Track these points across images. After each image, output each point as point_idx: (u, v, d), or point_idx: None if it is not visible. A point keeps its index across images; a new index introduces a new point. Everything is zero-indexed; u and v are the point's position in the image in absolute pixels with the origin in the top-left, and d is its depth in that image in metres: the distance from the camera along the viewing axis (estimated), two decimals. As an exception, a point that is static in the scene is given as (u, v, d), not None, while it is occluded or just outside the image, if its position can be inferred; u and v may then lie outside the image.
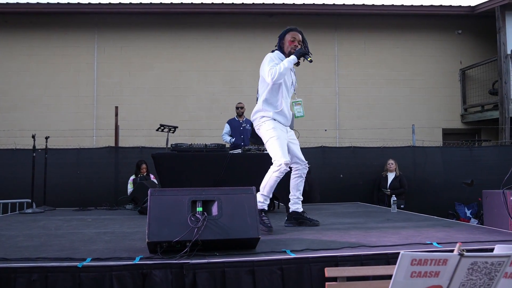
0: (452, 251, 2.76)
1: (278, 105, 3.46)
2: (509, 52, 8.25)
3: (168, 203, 2.51)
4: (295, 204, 3.65)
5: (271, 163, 4.84)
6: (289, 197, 3.69)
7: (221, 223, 2.49)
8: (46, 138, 5.83)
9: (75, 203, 6.09)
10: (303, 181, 3.60)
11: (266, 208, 3.46)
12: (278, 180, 3.37)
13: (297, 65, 3.51)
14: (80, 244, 2.83)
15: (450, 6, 9.20)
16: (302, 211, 3.67)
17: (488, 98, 9.02)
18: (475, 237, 2.99)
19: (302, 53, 3.40)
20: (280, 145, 3.37)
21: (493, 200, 3.52)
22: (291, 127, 3.66)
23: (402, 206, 6.28)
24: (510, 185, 3.67)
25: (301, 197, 3.65)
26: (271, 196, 3.46)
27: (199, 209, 2.51)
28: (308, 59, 3.39)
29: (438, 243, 2.75)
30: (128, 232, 3.39)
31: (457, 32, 9.50)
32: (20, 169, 6.62)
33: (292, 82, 3.59)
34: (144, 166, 6.39)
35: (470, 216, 6.86)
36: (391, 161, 6.88)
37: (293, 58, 3.38)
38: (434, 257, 1.78)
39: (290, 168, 3.54)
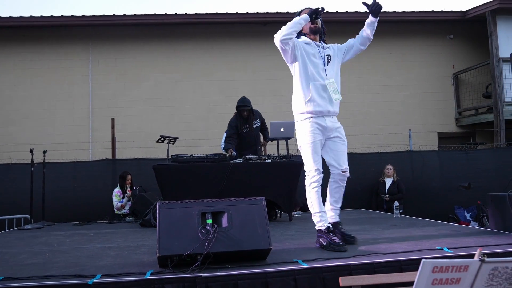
0: (463, 256, 2.75)
1: (306, 92, 3.06)
2: (501, 56, 8.35)
3: (177, 216, 2.48)
4: (329, 212, 3.20)
5: (273, 171, 4.89)
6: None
7: (232, 235, 2.46)
8: (44, 152, 5.76)
9: (73, 217, 5.99)
10: (340, 188, 3.17)
11: (330, 225, 3.07)
12: (319, 191, 3.05)
13: (316, 31, 3.14)
14: (86, 260, 2.78)
15: (442, 11, 9.32)
16: (336, 223, 3.19)
17: (481, 101, 9.11)
18: (484, 241, 2.99)
19: (314, 11, 3.05)
20: (312, 152, 3.04)
21: (497, 203, 3.52)
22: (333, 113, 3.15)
23: (400, 211, 6.28)
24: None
25: (336, 206, 3.22)
26: (323, 209, 3.10)
27: (209, 221, 2.48)
28: (320, 10, 3.04)
29: (448, 248, 2.75)
30: (134, 246, 3.34)
31: (449, 37, 9.61)
32: (16, 184, 6.51)
33: (328, 57, 3.15)
34: (129, 177, 6.32)
35: (470, 219, 6.87)
36: (389, 167, 6.89)
37: (304, 16, 3.03)
38: (456, 263, 1.76)
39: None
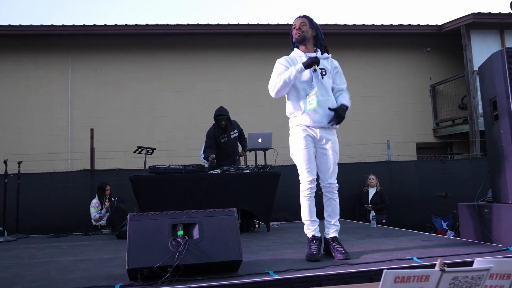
0: (432, 265, 2.80)
1: (297, 109, 3.03)
2: (475, 69, 8.59)
3: (148, 228, 2.47)
4: (325, 228, 3.10)
5: (251, 182, 4.91)
6: None
7: (202, 247, 2.46)
8: (19, 163, 5.66)
9: (49, 230, 5.87)
10: (332, 201, 3.05)
11: (319, 234, 3.04)
12: (310, 199, 3.01)
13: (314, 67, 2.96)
14: (56, 274, 2.73)
15: (418, 25, 9.56)
16: (332, 238, 3.03)
17: (458, 112, 9.34)
18: (454, 251, 3.05)
19: (311, 63, 2.93)
20: (303, 159, 2.99)
21: (468, 213, 3.60)
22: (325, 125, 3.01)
23: (383, 221, 6.37)
24: (484, 198, 3.78)
25: (329, 220, 3.07)
26: (315, 219, 3.04)
27: (180, 232, 2.47)
28: (313, 68, 2.94)
29: (418, 258, 2.79)
30: (106, 259, 3.29)
31: (426, 50, 9.86)
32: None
33: (323, 71, 3.03)
34: (108, 187, 6.27)
35: (447, 228, 6.98)
36: (372, 177, 6.97)
37: (300, 67, 2.93)
38: (417, 273, 1.80)
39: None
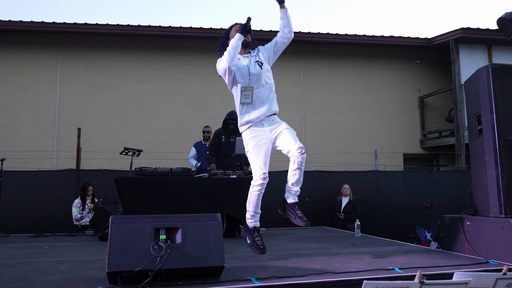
0: (413, 276, 2.81)
1: (239, 105, 3.23)
2: (463, 82, 8.72)
3: (130, 231, 2.44)
4: (286, 192, 3.28)
5: (237, 187, 4.88)
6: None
7: (184, 251, 2.44)
8: (2, 160, 5.57)
9: (32, 229, 5.78)
10: (299, 170, 3.12)
11: (258, 225, 3.31)
12: (260, 194, 3.19)
13: (247, 45, 3.24)
14: (34, 275, 2.68)
15: (409, 37, 9.69)
16: (293, 203, 3.23)
17: (445, 125, 9.47)
18: (435, 262, 3.08)
19: (244, 26, 3.14)
20: (256, 156, 3.16)
21: (451, 224, 3.64)
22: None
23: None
24: (467, 210, 3.82)
25: (294, 188, 3.20)
26: (258, 211, 3.28)
27: (163, 237, 2.45)
28: (248, 23, 3.13)
29: (400, 269, 2.81)
30: (87, 261, 3.25)
31: (416, 62, 9.99)
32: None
33: (258, 63, 3.24)
34: (90, 188, 6.21)
35: (430, 239, 7.04)
36: (346, 186, 7.00)
37: (238, 35, 3.10)
38: (396, 285, 1.82)
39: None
